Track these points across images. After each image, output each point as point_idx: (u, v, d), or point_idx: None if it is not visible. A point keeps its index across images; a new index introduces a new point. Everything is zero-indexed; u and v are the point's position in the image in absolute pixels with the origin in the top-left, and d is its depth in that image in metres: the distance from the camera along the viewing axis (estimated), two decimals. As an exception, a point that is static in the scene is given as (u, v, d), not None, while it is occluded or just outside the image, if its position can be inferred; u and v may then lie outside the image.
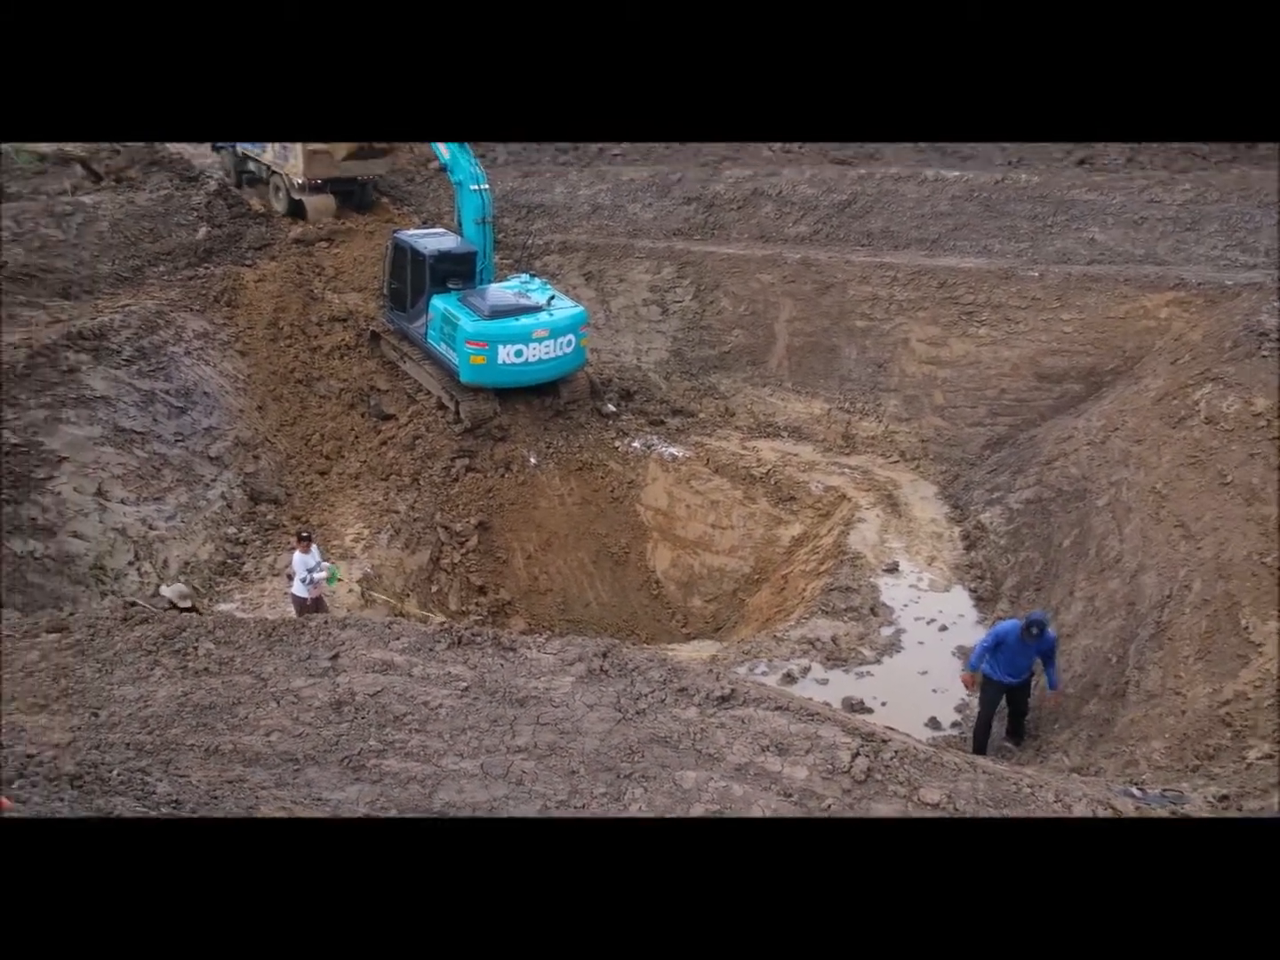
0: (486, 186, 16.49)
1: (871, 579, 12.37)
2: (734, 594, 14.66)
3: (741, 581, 14.71)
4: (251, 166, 21.15)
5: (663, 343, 18.63)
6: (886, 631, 11.38)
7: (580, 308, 16.28)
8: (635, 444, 16.36)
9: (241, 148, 20.96)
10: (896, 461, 15.59)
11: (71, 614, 6.28)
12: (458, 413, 15.63)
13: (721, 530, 15.27)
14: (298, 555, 10.96)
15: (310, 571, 10.88)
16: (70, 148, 23.69)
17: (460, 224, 16.80)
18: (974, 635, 10.89)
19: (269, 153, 20.07)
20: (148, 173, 21.90)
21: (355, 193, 20.52)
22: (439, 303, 15.53)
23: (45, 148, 23.40)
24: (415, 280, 16.13)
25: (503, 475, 15.35)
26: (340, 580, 11.86)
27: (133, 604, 7.66)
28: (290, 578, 11.29)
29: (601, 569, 15.23)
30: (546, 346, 15.16)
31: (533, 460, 15.66)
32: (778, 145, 21.48)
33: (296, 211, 19.95)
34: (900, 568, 12.68)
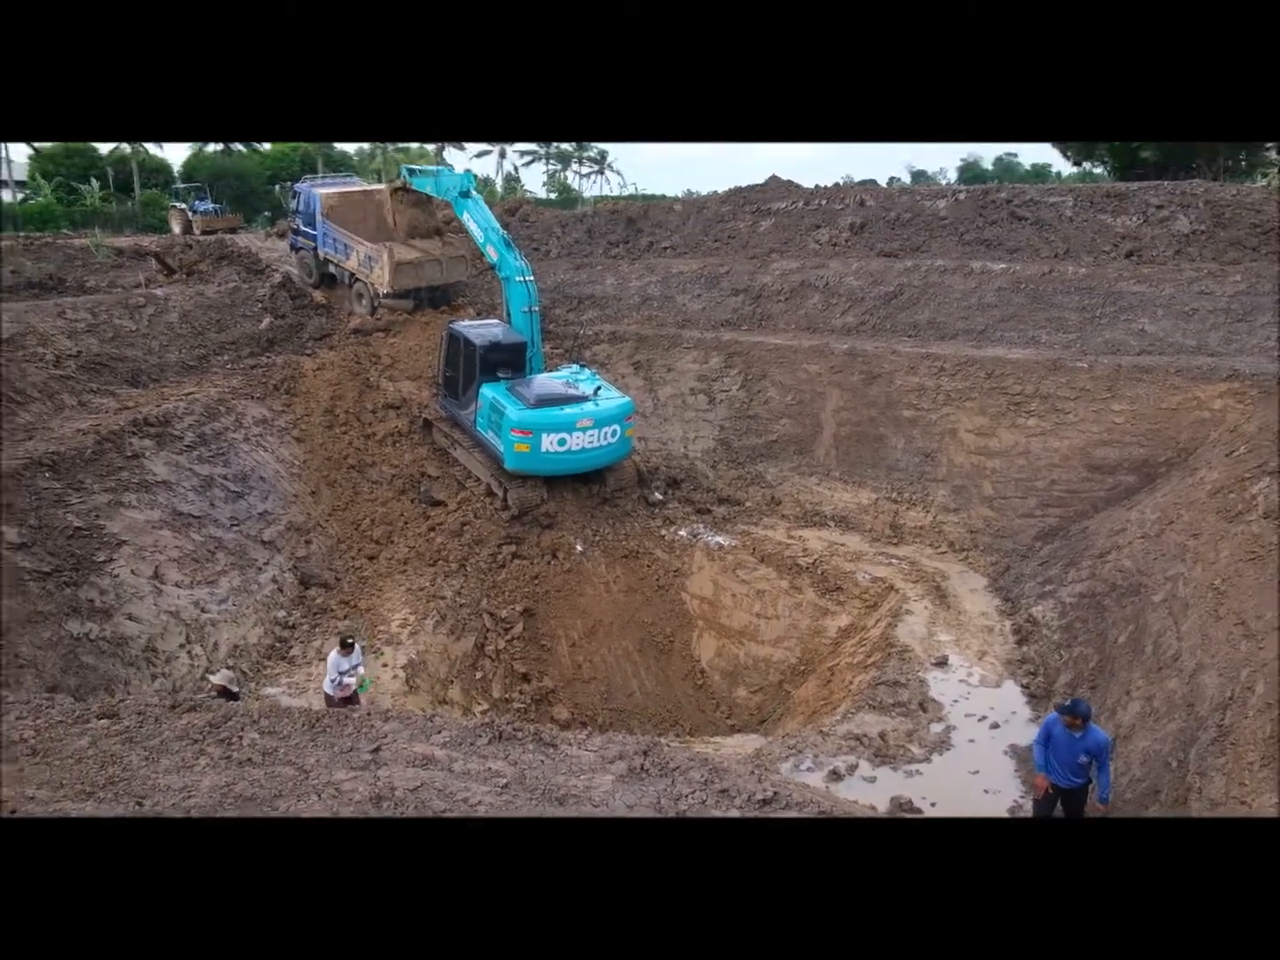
0: (532, 278, 17.08)
1: (920, 673, 12.12)
2: (779, 685, 14.46)
3: (787, 673, 14.52)
4: (333, 270, 21.95)
5: (710, 431, 18.80)
6: (936, 728, 11.10)
7: (626, 398, 16.53)
8: (681, 532, 16.41)
9: (324, 251, 21.79)
10: (945, 552, 15.41)
11: (122, 700, 6.36)
12: (505, 500, 15.86)
13: (767, 620, 15.14)
14: (334, 655, 11.14)
15: (342, 674, 11.03)
16: (146, 242, 24.88)
17: (509, 315, 17.31)
18: (1027, 734, 10.58)
19: (353, 259, 20.90)
20: (217, 266, 22.90)
21: (437, 298, 21.32)
22: (488, 391, 15.90)
23: (123, 242, 24.57)
24: (467, 369, 16.57)
25: (549, 562, 15.44)
26: (370, 689, 11.94)
27: (177, 691, 7.78)
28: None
29: (646, 658, 15.14)
30: (591, 436, 15.39)
31: (579, 547, 15.75)
32: (824, 239, 21.85)
33: (373, 311, 20.81)
34: (950, 662, 12.42)
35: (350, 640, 11.36)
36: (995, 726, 11.18)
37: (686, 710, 14.61)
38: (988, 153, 79.13)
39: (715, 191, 27.40)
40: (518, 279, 16.88)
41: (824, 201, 23.17)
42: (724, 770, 6.15)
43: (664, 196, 47.47)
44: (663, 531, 16.44)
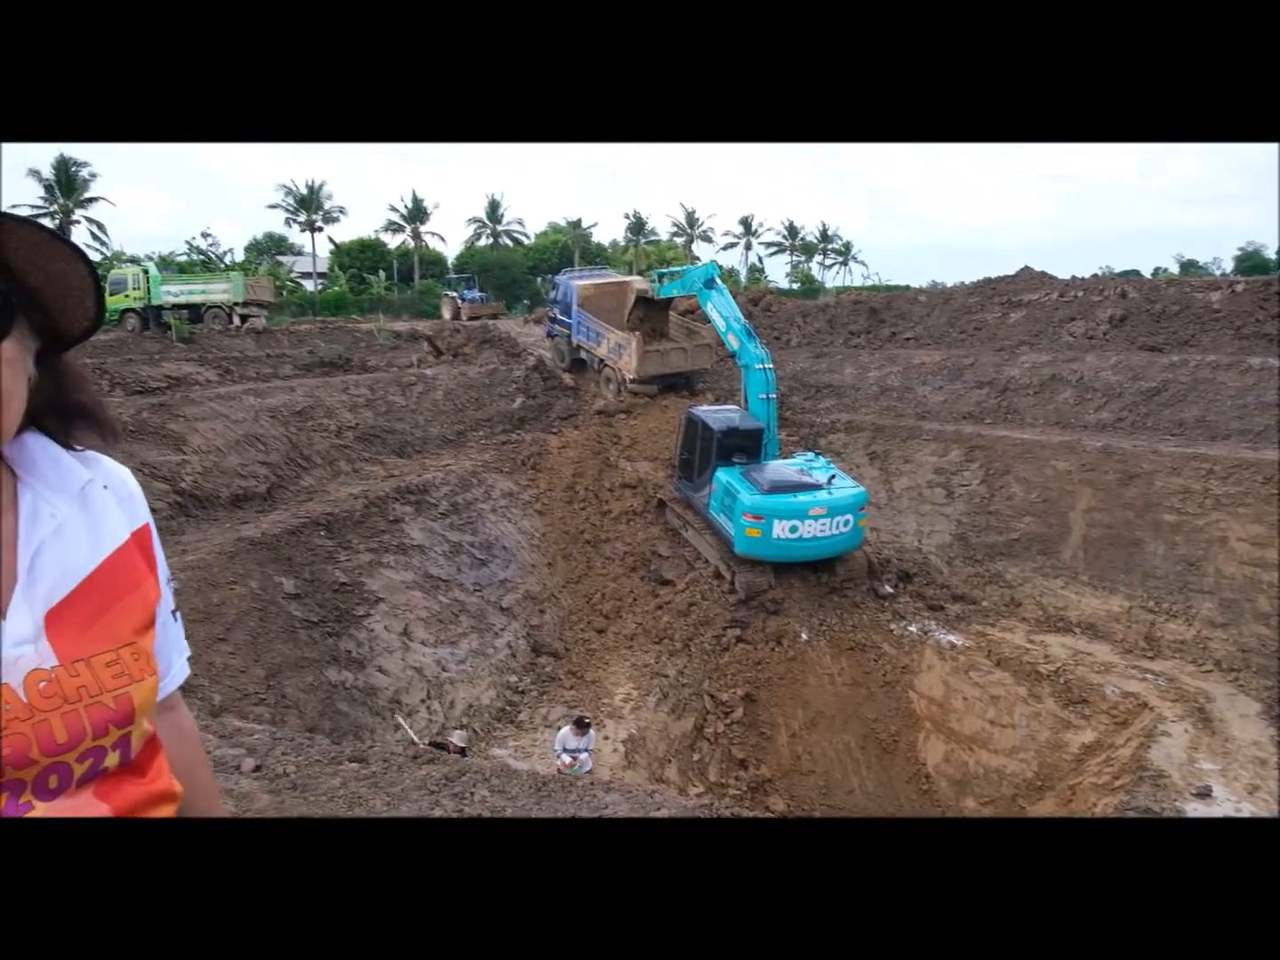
0: (770, 366, 17.32)
1: (1178, 803, 10.99)
2: (1013, 799, 13.51)
3: (1022, 787, 13.55)
4: (584, 356, 23.33)
5: (946, 526, 18.17)
6: (1193, 867, 9.99)
7: (860, 488, 16.33)
8: (911, 628, 15.85)
9: (577, 339, 23.23)
10: (1210, 671, 13.98)
11: (370, 746, 6.85)
12: (733, 583, 15.97)
13: (1001, 728, 14.25)
14: (566, 731, 11.32)
15: (566, 751, 11.20)
16: (420, 327, 27.41)
17: (747, 401, 17.63)
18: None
19: (603, 347, 22.16)
20: (480, 349, 24.86)
21: (680, 384, 22.17)
22: (723, 475, 16.17)
23: (400, 326, 27.18)
24: (704, 452, 16.95)
25: (773, 648, 15.34)
26: (579, 775, 12.05)
27: (412, 742, 8.30)
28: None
29: (868, 755, 14.61)
30: (823, 524, 15.28)
31: (804, 636, 15.56)
32: (1079, 331, 20.89)
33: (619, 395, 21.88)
34: (1214, 794, 11.19)
35: (587, 722, 11.55)
36: (1266, 873, 9.93)
37: (907, 816, 13.93)
38: (1270, 241, 72.89)
39: (962, 282, 26.89)
40: (757, 366, 17.22)
41: (1080, 293, 22.21)
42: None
43: (908, 287, 46.97)
44: (891, 626, 15.95)
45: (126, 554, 1.26)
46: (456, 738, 11.07)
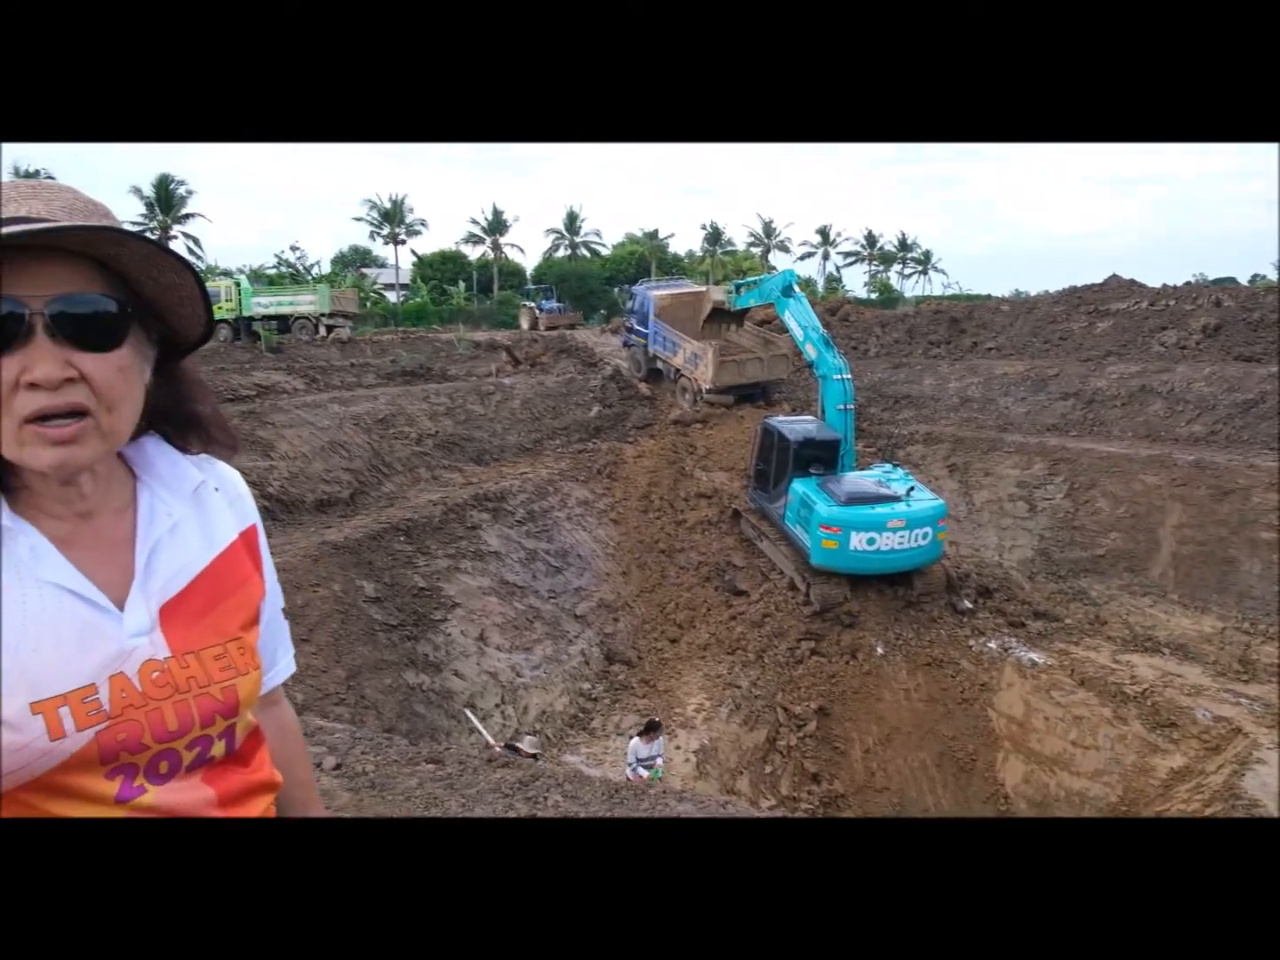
0: (849, 376, 17.11)
1: (1272, 834, 10.54)
2: (1097, 825, 13.09)
3: (1105, 811, 13.12)
4: (660, 365, 23.43)
5: (1028, 540, 17.75)
6: (1289, 901, 9.57)
7: (939, 501, 16.05)
8: (990, 644, 15.49)
9: (653, 349, 23.35)
10: (1309, 697, 13.38)
11: (446, 749, 6.94)
12: (808, 595, 15.82)
13: (1084, 750, 13.83)
14: (636, 741, 11.28)
15: (639, 761, 11.15)
16: (499, 337, 27.81)
17: (823, 411, 17.47)
18: None
19: (679, 357, 22.23)
20: (557, 359, 25.13)
21: (756, 394, 22.11)
22: (799, 486, 16.04)
23: (480, 336, 27.63)
24: (780, 463, 16.84)
25: (848, 662, 15.14)
26: (659, 780, 11.95)
27: (489, 746, 8.40)
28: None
29: (944, 774, 14.32)
30: (901, 537, 15.05)
31: (880, 650, 15.33)
32: (1171, 340, 20.25)
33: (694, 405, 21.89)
34: (1311, 825, 10.70)
35: (656, 722, 11.54)
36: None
37: (987, 837, 13.60)
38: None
39: (1047, 291, 26.27)
40: (835, 377, 17.05)
41: (1172, 301, 21.53)
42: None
43: (989, 296, 46.07)
44: (970, 642, 15.62)
45: (235, 553, 1.32)
46: (527, 744, 11.15)
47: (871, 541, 15.00)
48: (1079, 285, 24.51)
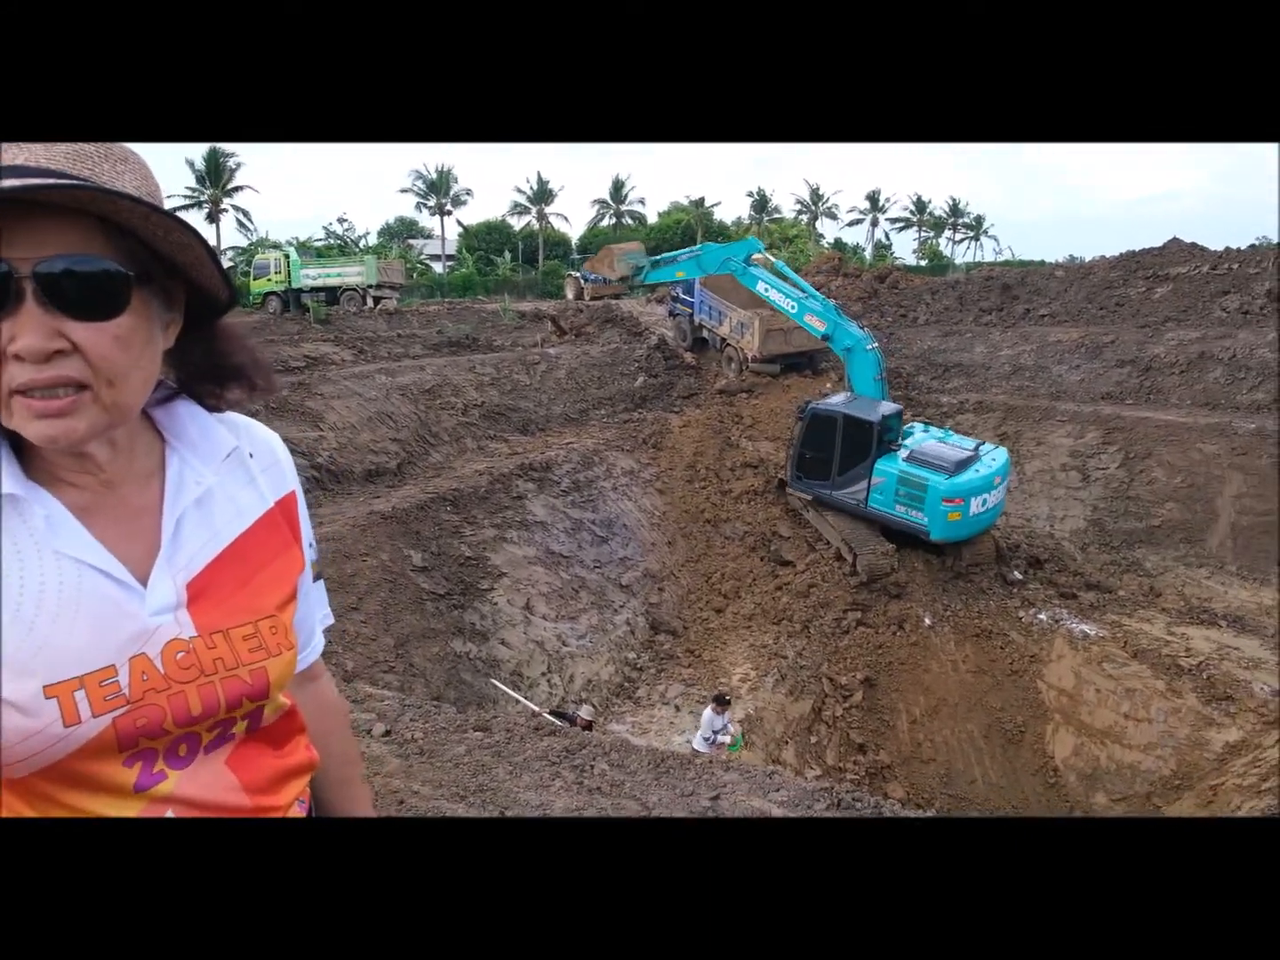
0: (877, 345, 16.76)
1: (1331, 810, 10.34)
2: (1148, 798, 12.92)
3: (1158, 785, 12.94)
4: (705, 335, 23.31)
5: (1081, 511, 17.43)
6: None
7: (1004, 449, 16.11)
8: (1041, 616, 15.28)
9: (699, 318, 23.22)
10: (1373, 671, 13.04)
11: (494, 716, 7.01)
12: (855, 565, 15.69)
13: (1136, 723, 13.62)
14: (709, 713, 11.26)
15: (715, 733, 11.14)
16: (544, 307, 27.82)
17: (852, 385, 17.08)
18: None
19: (725, 326, 22.09)
20: (602, 328, 25.06)
21: (802, 364, 21.89)
22: (887, 466, 15.47)
23: (525, 306, 27.65)
24: (853, 447, 15.97)
25: (894, 633, 15.04)
26: (740, 749, 11.90)
27: (536, 714, 8.48)
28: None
29: (992, 745, 14.20)
30: (996, 494, 15.22)
31: (927, 621, 15.20)
32: (1233, 305, 19.65)
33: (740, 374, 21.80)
34: (1372, 802, 10.47)
35: (727, 699, 11.53)
36: None
37: (1034, 810, 13.47)
38: None
39: (1103, 256, 25.60)
40: (867, 346, 16.71)
41: (1235, 265, 20.87)
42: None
43: (1043, 262, 45.04)
44: (1020, 613, 15.41)
45: (270, 522, 1.23)
46: (585, 711, 11.29)
47: (985, 503, 14.97)
48: (1137, 250, 23.86)
